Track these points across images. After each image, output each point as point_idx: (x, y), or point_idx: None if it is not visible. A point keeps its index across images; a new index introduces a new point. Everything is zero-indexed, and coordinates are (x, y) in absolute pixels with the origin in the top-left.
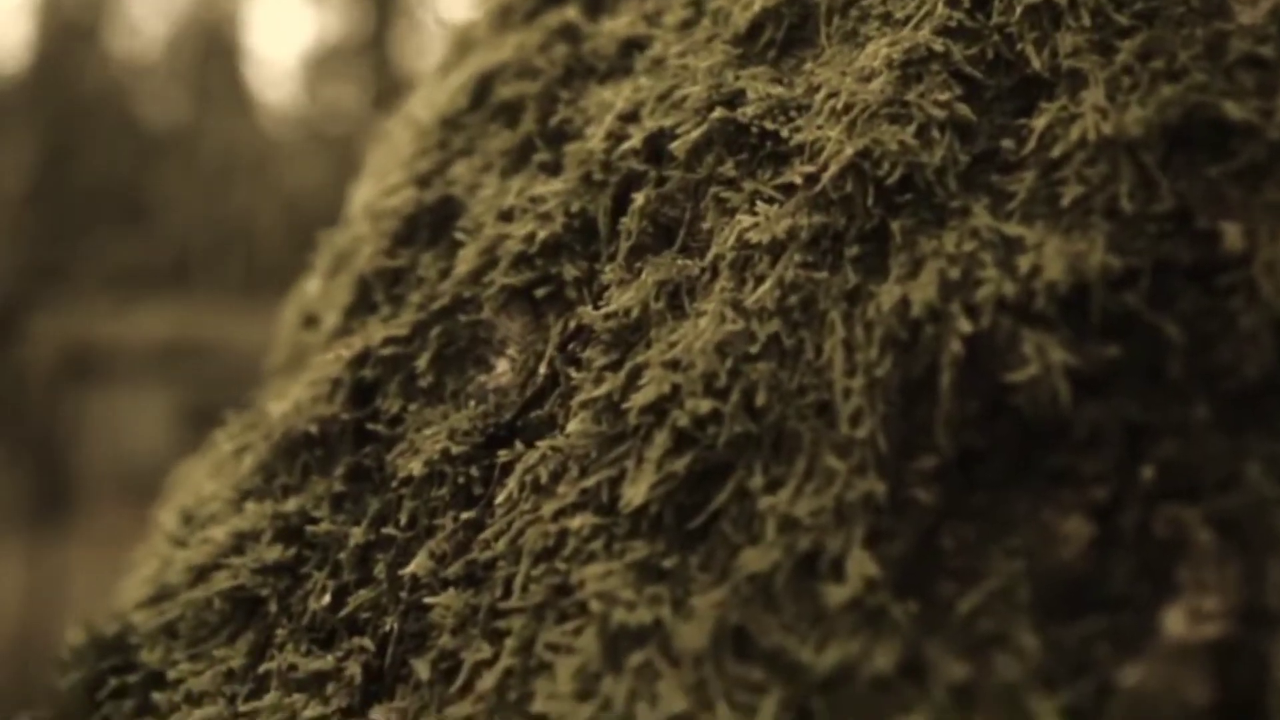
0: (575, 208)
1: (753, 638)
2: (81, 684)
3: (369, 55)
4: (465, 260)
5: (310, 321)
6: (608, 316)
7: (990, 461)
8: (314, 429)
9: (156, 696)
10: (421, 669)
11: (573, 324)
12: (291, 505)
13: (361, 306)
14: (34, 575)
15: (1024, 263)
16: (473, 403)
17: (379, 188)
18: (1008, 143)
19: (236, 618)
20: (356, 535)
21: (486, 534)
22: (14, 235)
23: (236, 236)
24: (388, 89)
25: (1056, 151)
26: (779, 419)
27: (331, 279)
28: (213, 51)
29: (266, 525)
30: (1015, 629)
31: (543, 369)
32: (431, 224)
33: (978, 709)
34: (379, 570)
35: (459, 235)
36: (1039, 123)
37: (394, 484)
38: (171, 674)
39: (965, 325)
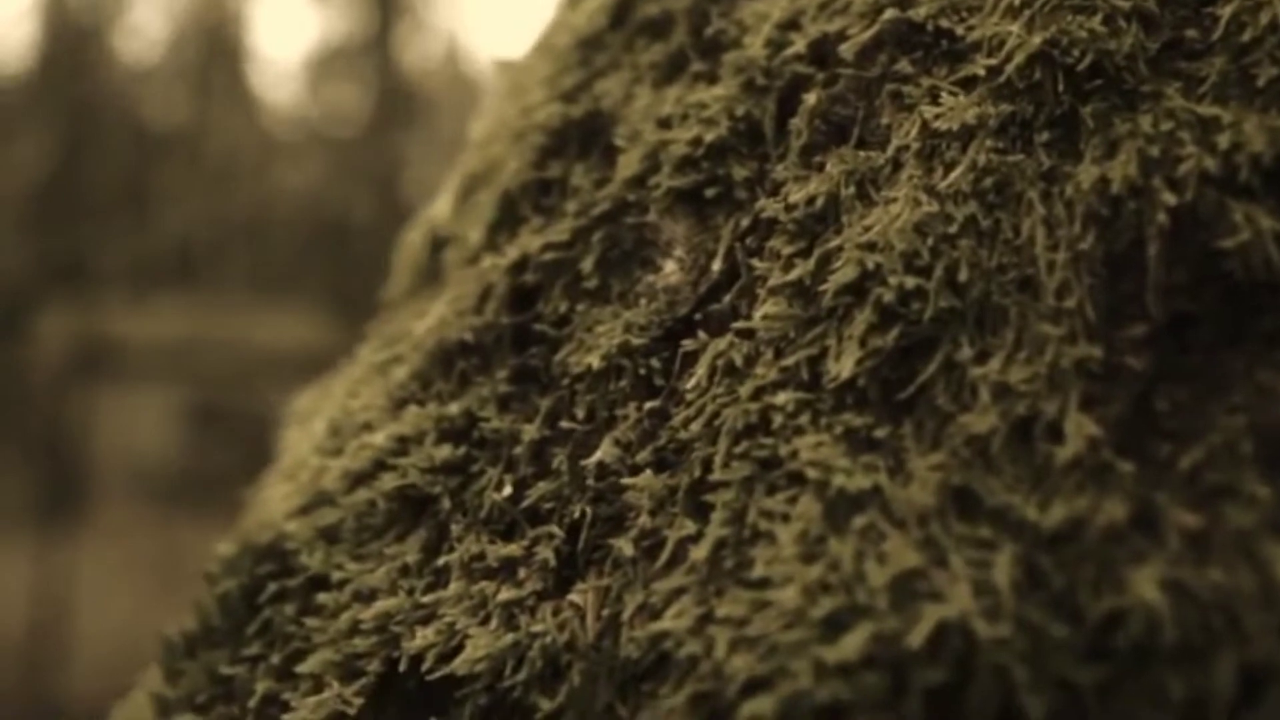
0: (740, 112)
1: (978, 497)
2: (238, 590)
3: (372, 56)
4: (626, 167)
5: (441, 244)
6: (789, 208)
7: (1201, 326)
8: (469, 337)
9: (322, 598)
10: (625, 547)
11: (744, 221)
12: (455, 408)
13: (508, 220)
14: (42, 571)
15: (1223, 140)
16: (644, 301)
17: (518, 107)
18: (1192, 32)
19: (404, 517)
20: (530, 432)
21: (675, 420)
22: (21, 233)
23: (240, 236)
24: (390, 89)
25: (1246, 37)
26: (983, 294)
27: (466, 201)
28: (216, 52)
29: (430, 427)
30: (1243, 480)
31: (715, 265)
32: (580, 137)
33: (1212, 557)
34: (557, 463)
35: (618, 143)
36: (1225, 10)
37: (565, 381)
38: (336, 576)
39: (1169, 198)
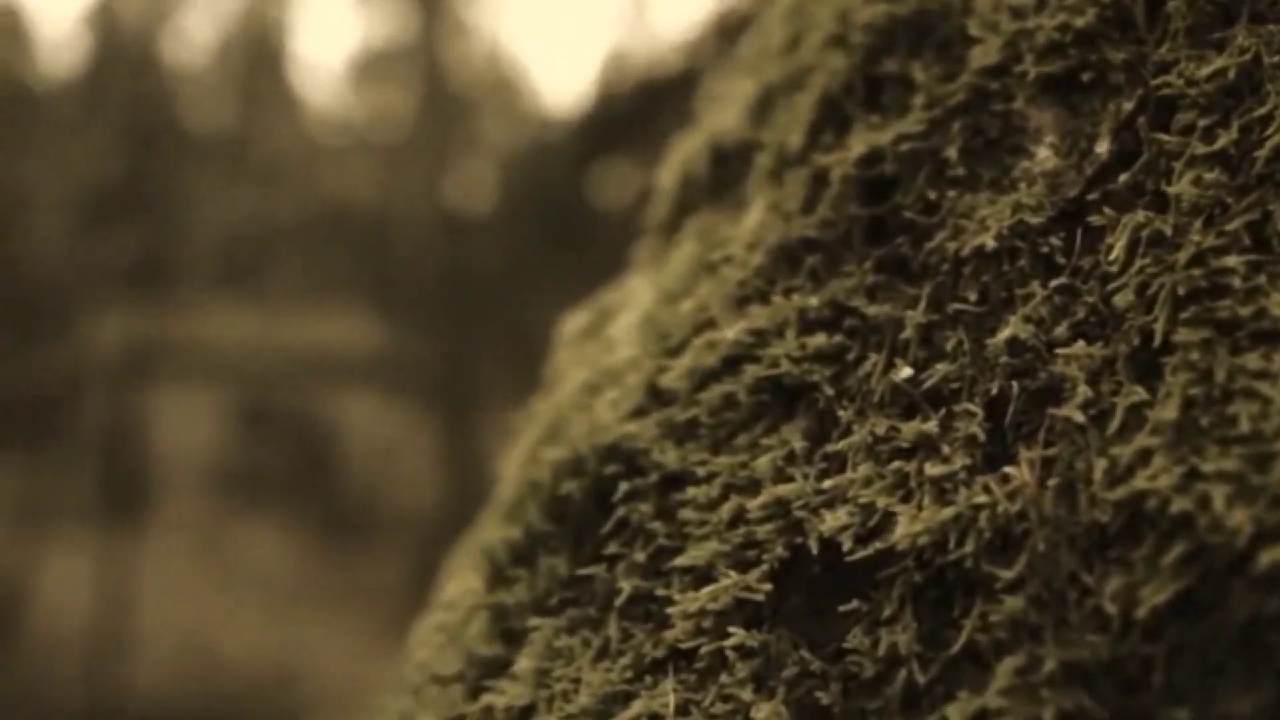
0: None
1: None
2: (582, 493)
3: (415, 58)
4: (983, 56)
5: (727, 157)
6: (1191, 83)
7: None
8: (811, 233)
9: (690, 492)
10: (1074, 415)
11: (1126, 104)
12: (816, 300)
13: (832, 121)
14: (105, 568)
15: None
16: (1024, 185)
17: (830, 13)
18: None
19: (774, 408)
20: (915, 317)
21: (1088, 295)
22: (75, 237)
23: (288, 239)
24: (433, 91)
25: None
26: None
27: (764, 111)
28: (261, 56)
29: (792, 320)
30: None
31: (1101, 148)
32: (909, 35)
33: None
34: (953, 345)
35: (972, 33)
36: None
37: (945, 267)
38: (700, 471)
39: None
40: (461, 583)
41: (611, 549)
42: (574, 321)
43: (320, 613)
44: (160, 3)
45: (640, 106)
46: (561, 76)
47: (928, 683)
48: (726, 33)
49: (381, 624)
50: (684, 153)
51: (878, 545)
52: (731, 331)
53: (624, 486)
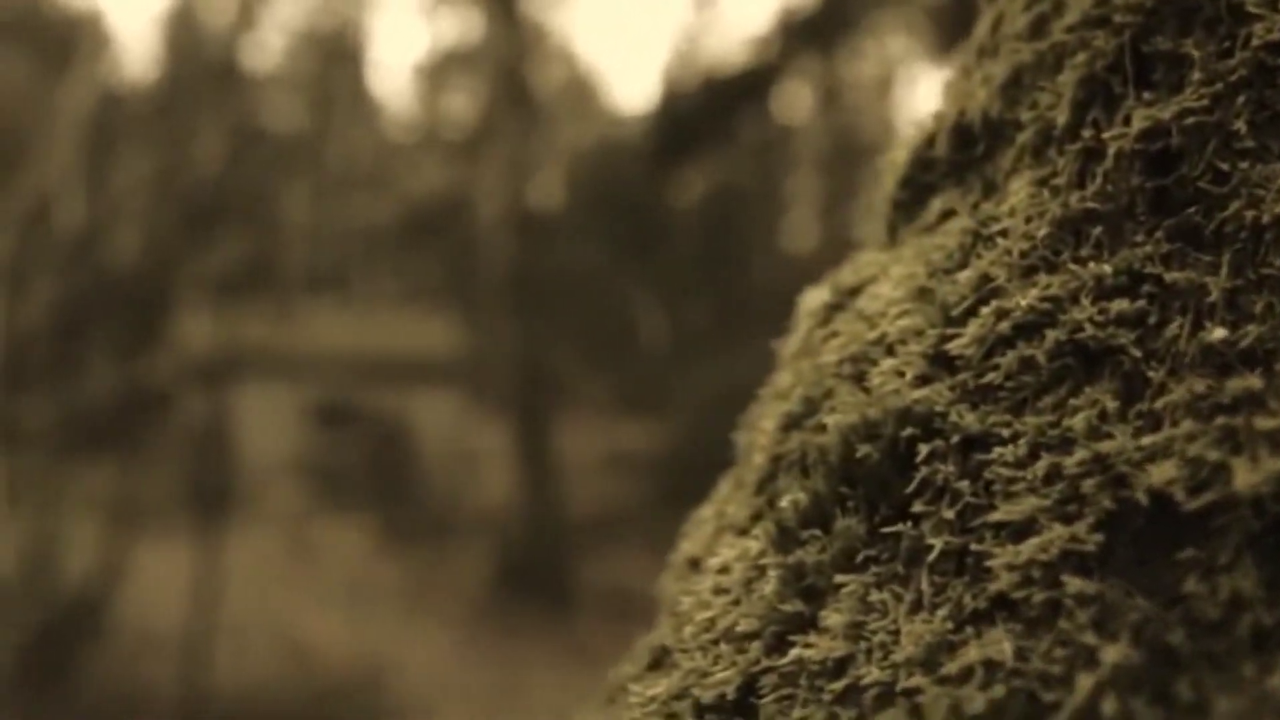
0: None
1: None
2: (881, 453)
3: (488, 60)
4: (1265, 33)
5: (972, 139)
6: None
7: None
8: (1093, 205)
9: (997, 452)
10: None
11: None
12: (1109, 268)
13: (1098, 99)
14: (196, 567)
15: None
16: None
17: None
18: None
19: (1077, 371)
20: (1219, 281)
21: None
22: (157, 241)
23: (367, 241)
24: (507, 92)
25: None
26: None
27: (1017, 91)
28: (335, 58)
29: (1088, 287)
30: None
31: None
32: (1177, 15)
33: None
34: (1260, 308)
35: (1252, 10)
36: None
37: (1244, 234)
38: (1004, 432)
39: None
40: (736, 547)
41: (917, 508)
42: (814, 297)
43: (401, 610)
44: (236, 7)
45: (709, 104)
46: (633, 75)
47: (1274, 624)
48: (792, 30)
49: (460, 622)
50: (916, 137)
51: (1211, 496)
52: (1022, 300)
53: (924, 448)
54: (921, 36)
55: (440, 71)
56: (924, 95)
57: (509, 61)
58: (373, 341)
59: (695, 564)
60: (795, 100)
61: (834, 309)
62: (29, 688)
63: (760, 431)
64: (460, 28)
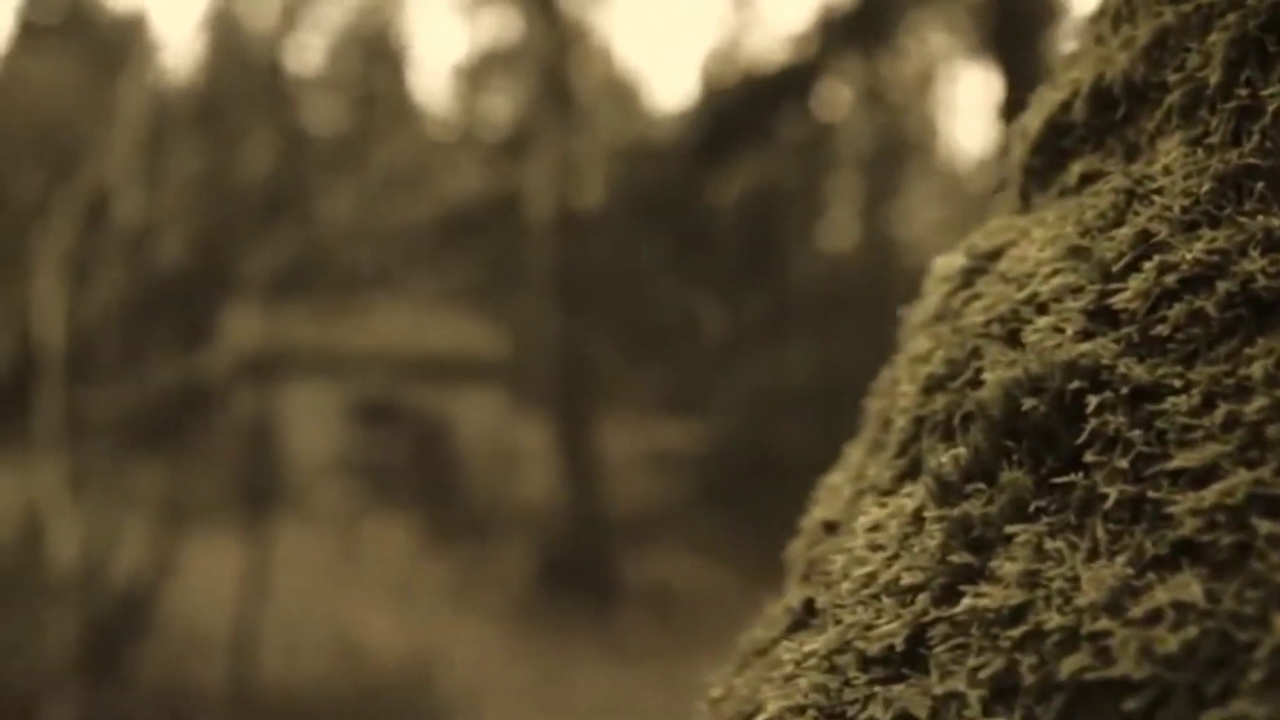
0: None
1: None
2: (1049, 406)
3: (527, 60)
4: None
5: (1112, 102)
6: None
7: None
8: (1256, 160)
9: (1170, 402)
10: None
11: None
12: (1277, 221)
13: (1252, 59)
14: (244, 562)
15: None
16: None
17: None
18: None
19: (1250, 321)
20: None
21: None
22: (205, 241)
23: (408, 242)
24: (548, 93)
25: None
26: None
27: (1161, 53)
28: (376, 59)
29: (1255, 239)
30: None
31: None
32: None
33: None
34: None
35: None
36: None
37: None
38: (1175, 383)
39: None
40: (888, 505)
41: (1088, 458)
42: (947, 263)
43: (447, 607)
44: (278, 9)
45: (749, 102)
46: (673, 73)
47: None
48: (832, 27)
49: (505, 618)
50: (1049, 103)
51: None
52: (1188, 253)
53: (1093, 400)
54: (962, 34)
55: (480, 72)
56: (964, 92)
57: (549, 60)
58: (416, 340)
59: (831, 527)
60: (835, 98)
61: (973, 273)
62: (84, 680)
63: (900, 395)
64: (499, 28)
